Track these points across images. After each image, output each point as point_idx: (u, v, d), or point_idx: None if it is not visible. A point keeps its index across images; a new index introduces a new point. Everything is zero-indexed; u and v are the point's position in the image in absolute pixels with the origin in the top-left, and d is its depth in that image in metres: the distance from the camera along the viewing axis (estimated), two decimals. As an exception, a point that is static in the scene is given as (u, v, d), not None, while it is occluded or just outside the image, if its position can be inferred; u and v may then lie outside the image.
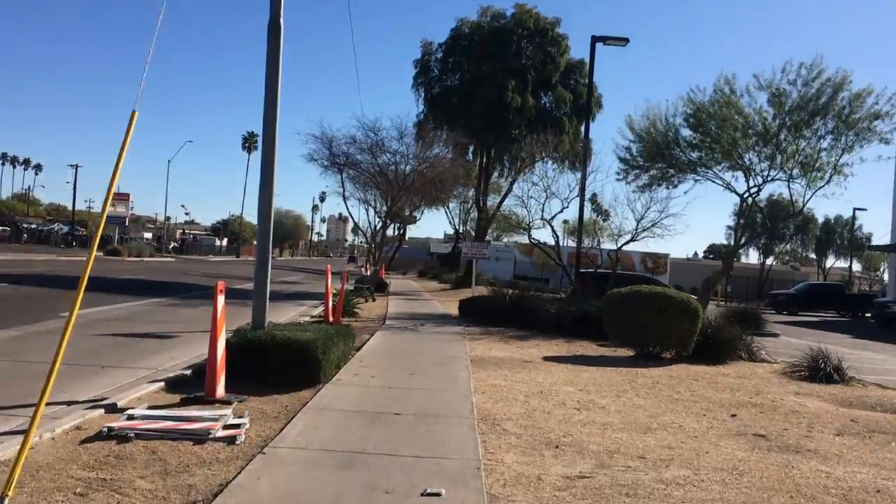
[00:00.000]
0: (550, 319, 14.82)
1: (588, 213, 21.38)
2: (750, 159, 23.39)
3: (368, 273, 24.60)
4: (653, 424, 6.62)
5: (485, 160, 37.27)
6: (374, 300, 22.06)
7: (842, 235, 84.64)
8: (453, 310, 19.28)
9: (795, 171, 20.16)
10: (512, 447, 5.48)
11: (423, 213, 68.53)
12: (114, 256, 55.86)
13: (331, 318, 13.80)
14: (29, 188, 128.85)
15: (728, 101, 23.08)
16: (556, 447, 5.55)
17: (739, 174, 24.48)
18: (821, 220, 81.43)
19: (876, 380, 10.80)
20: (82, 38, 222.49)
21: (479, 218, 40.06)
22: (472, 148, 36.61)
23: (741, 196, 24.05)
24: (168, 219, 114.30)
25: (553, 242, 19.27)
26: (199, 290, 23.04)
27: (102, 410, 5.85)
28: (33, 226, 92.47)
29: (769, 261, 77.25)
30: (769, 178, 22.81)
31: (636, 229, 17.33)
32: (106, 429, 5.22)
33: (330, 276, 14.22)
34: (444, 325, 15.33)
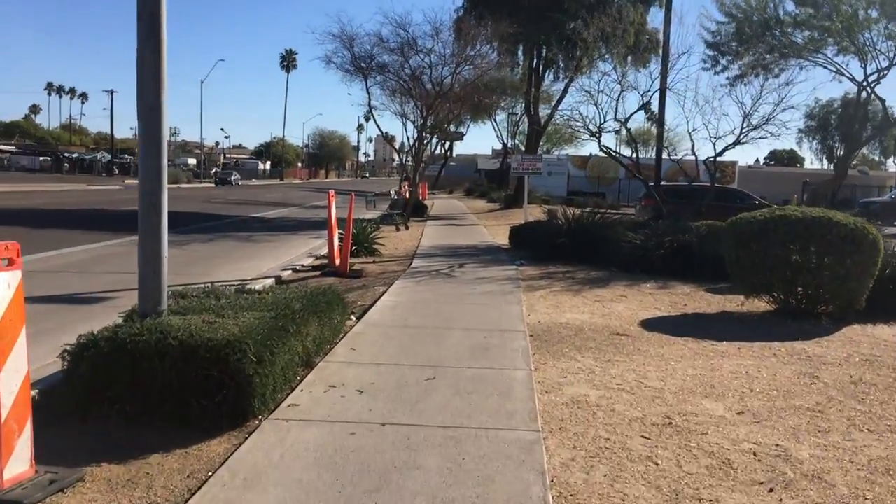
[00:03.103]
0: (633, 253, 10.96)
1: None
2: (870, 38, 18.49)
3: (405, 195, 20.86)
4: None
5: (535, 61, 32.41)
6: (406, 228, 18.44)
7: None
8: (502, 239, 15.53)
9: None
10: None
11: (468, 127, 64.05)
12: (148, 184, 53.75)
13: (337, 261, 10.26)
14: (70, 117, 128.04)
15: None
16: None
17: (850, 59, 19.68)
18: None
19: None
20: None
21: (529, 128, 35.54)
22: (520, 48, 31.81)
23: (860, 84, 19.24)
24: (218, 144, 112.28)
25: (626, 150, 15.02)
26: (202, 223, 19.81)
27: None
28: (75, 155, 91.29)
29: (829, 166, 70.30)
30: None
31: (742, 128, 13.00)
32: None
33: (333, 203, 10.53)
34: (490, 265, 11.61)
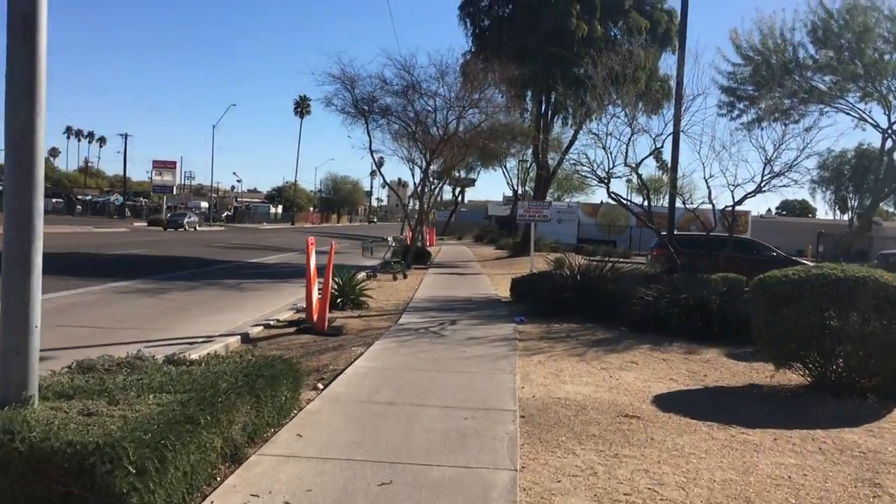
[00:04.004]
0: (645, 311, 9.86)
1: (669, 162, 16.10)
2: (894, 84, 17.61)
3: (400, 243, 19.90)
4: None
5: (543, 107, 31.80)
6: (405, 277, 17.42)
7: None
8: (505, 290, 14.46)
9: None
10: None
11: (479, 173, 63.58)
12: (156, 227, 53.43)
13: (316, 316, 9.23)
14: (87, 160, 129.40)
15: (870, 5, 17.31)
16: None
17: (874, 105, 18.75)
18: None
19: None
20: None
21: (538, 174, 34.77)
22: (529, 93, 31.22)
23: (884, 132, 18.26)
24: (233, 188, 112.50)
25: (637, 198, 14.00)
26: (192, 268, 18.93)
27: None
28: (88, 197, 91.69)
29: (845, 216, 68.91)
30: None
31: (763, 174, 11.97)
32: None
33: (313, 251, 9.53)
34: (486, 322, 10.52)
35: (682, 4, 15.35)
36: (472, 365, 7.23)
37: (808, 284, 6.45)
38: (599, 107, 15.38)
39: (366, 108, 21.06)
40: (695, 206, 13.11)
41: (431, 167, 26.61)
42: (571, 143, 28.44)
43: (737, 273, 11.88)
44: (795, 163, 11.74)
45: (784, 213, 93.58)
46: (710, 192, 12.04)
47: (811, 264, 8.92)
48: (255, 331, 8.88)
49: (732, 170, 12.36)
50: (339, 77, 20.18)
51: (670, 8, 28.77)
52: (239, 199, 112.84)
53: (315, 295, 9.36)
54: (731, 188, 12.06)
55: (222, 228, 65.24)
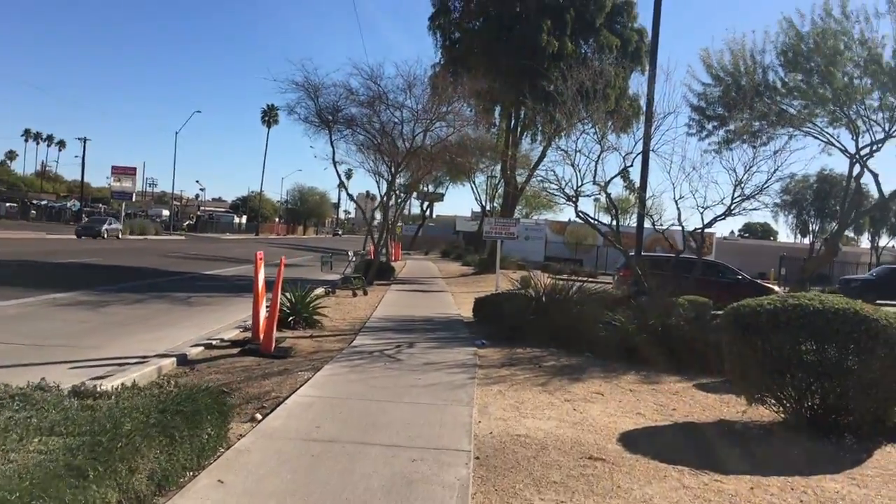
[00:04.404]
0: (612, 337, 9.44)
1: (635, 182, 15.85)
2: (864, 109, 17.60)
3: (359, 258, 19.22)
4: None
5: (512, 122, 31.56)
6: (365, 294, 16.81)
7: None
8: (467, 310, 13.95)
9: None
10: None
11: (447, 188, 63.13)
12: (113, 234, 51.82)
13: (261, 336, 8.60)
14: (44, 164, 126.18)
15: (841, 30, 17.31)
16: None
17: (842, 130, 18.77)
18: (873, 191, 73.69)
19: None
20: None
21: (505, 191, 34.45)
22: (497, 108, 30.97)
23: (852, 157, 18.26)
24: (198, 196, 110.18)
25: (604, 217, 13.62)
26: (143, 279, 18.08)
27: None
28: (44, 202, 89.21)
29: (804, 239, 70.08)
30: (893, 132, 17.05)
31: (733, 197, 11.70)
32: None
33: (262, 266, 8.92)
34: (445, 345, 9.98)
35: (654, 21, 15.15)
36: (427, 395, 6.69)
37: (785, 315, 6.05)
38: (569, 123, 15.07)
39: (330, 117, 20.46)
40: (664, 227, 12.74)
41: (398, 180, 26.10)
42: (540, 159, 28.15)
43: (703, 296, 11.58)
44: (766, 185, 11.50)
45: (747, 235, 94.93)
46: (679, 214, 11.72)
47: (778, 289, 8.62)
48: (195, 352, 8.22)
49: (702, 191, 12.09)
50: (303, 85, 19.58)
51: (641, 27, 28.79)
52: (202, 209, 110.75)
53: (262, 313, 8.75)
54: (701, 210, 11.77)
55: (182, 237, 63.75)
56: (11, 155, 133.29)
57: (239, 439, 4.92)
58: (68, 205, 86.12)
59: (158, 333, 9.80)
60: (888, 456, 5.59)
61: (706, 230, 12.74)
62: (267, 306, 8.82)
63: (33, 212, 76.17)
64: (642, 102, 21.49)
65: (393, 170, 21.89)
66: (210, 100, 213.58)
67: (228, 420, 4.91)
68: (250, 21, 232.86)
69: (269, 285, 11.16)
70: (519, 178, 32.62)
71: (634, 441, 5.59)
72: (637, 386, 7.83)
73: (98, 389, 4.50)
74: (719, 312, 9.05)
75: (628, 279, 18.76)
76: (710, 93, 17.33)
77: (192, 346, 8.45)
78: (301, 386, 6.79)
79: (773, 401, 6.38)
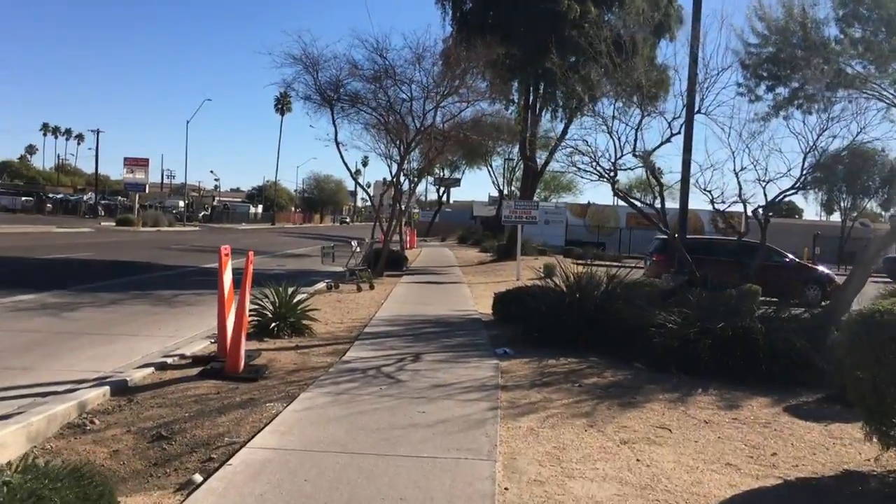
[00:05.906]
0: (667, 343, 7.54)
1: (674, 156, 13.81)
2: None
3: (367, 247, 17.32)
4: None
5: (531, 97, 29.42)
6: (371, 288, 15.00)
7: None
8: (486, 305, 12.07)
9: None
10: None
11: (464, 172, 61.03)
12: (125, 227, 50.54)
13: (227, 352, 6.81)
14: (60, 157, 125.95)
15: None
16: None
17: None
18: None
19: None
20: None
21: (524, 173, 32.42)
22: (515, 83, 28.84)
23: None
24: (216, 187, 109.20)
25: (652, 199, 11.56)
26: (130, 275, 16.44)
27: None
28: (60, 196, 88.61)
29: (833, 217, 67.10)
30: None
31: (803, 168, 9.72)
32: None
33: (228, 265, 7.12)
34: (460, 356, 8.09)
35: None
36: (433, 440, 4.85)
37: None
38: (609, 80, 12.97)
39: (331, 94, 18.58)
40: (726, 205, 10.77)
41: (411, 163, 24.29)
42: (562, 136, 26.09)
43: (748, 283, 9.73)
44: (842, 152, 9.49)
45: (772, 214, 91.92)
46: (740, 190, 9.74)
47: (824, 269, 6.67)
48: (140, 375, 6.45)
49: (763, 162, 10.10)
50: (301, 58, 17.69)
51: (670, -10, 26.55)
52: (219, 199, 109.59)
53: (230, 323, 6.96)
54: (763, 184, 9.78)
55: (196, 228, 62.42)
56: (31, 149, 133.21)
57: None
58: (84, 198, 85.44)
59: (115, 346, 8.11)
60: None
61: (736, 209, 10.79)
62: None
63: (49, 206, 75.32)
64: (671, 73, 19.42)
65: (402, 150, 20.01)
66: (224, 91, 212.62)
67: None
68: (259, 7, 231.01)
69: (269, 282, 9.48)
70: (538, 160, 30.61)
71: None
72: (712, 414, 5.94)
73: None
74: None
75: (664, 266, 16.80)
76: (762, 51, 15.23)
77: (139, 368, 6.70)
78: (264, 427, 5.01)
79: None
